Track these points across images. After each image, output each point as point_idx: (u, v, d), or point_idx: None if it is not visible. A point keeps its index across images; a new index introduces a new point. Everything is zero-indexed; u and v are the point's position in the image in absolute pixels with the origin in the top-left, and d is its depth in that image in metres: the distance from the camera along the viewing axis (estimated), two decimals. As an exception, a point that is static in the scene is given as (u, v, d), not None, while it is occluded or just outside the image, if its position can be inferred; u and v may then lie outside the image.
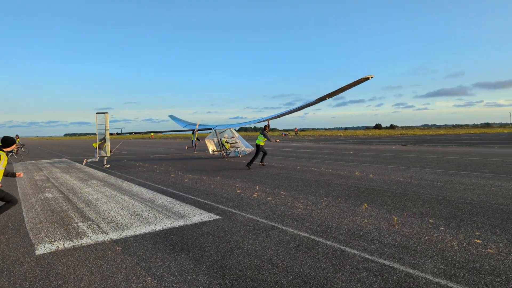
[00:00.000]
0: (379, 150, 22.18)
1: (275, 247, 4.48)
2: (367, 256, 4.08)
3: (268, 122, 15.73)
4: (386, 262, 3.88)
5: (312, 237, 4.84)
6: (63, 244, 4.84)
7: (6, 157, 5.46)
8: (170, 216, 6.24)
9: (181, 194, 8.39)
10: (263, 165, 14.43)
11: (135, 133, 24.66)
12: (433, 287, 3.27)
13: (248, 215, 6.13)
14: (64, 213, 6.71)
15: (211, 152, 20.77)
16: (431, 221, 5.49)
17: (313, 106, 14.02)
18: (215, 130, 20.33)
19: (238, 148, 20.43)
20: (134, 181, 10.90)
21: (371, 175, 10.63)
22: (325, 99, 12.45)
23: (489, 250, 4.16)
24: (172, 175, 11.98)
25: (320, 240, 4.70)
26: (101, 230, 5.52)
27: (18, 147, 24.94)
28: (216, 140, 20.59)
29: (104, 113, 16.69)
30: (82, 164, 17.55)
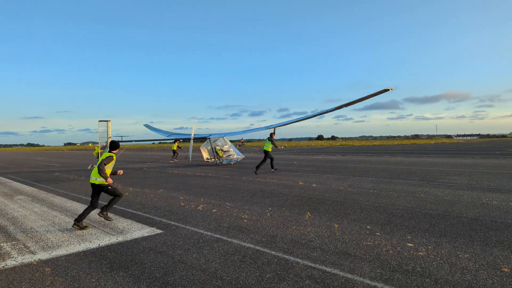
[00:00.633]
0: (321, 160, 23.06)
1: (220, 259, 4.41)
2: (310, 264, 4.17)
3: (274, 129, 16.81)
4: (328, 269, 3.99)
5: (257, 247, 4.85)
6: (-18, 268, 4.33)
7: (115, 158, 6.45)
8: (108, 232, 5.88)
9: (120, 208, 7.98)
10: (274, 170, 15.54)
11: (136, 141, 24.60)
12: (371, 291, 3.43)
13: (192, 228, 5.99)
14: (-15, 234, 6.03)
15: (205, 160, 21.82)
16: (368, 227, 5.78)
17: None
18: (209, 138, 21.47)
19: (231, 156, 21.40)
20: (67, 195, 10.16)
21: (314, 185, 10.98)
22: (343, 107, 14.18)
23: (419, 253, 4.47)
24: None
25: (265, 250, 4.72)
26: (28, 250, 5.03)
27: None
28: (209, 148, 21.60)
29: (107, 121, 17.45)
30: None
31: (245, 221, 6.42)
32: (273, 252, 4.62)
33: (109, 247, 5.07)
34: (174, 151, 26.31)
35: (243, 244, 5.03)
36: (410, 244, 4.82)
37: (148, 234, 5.70)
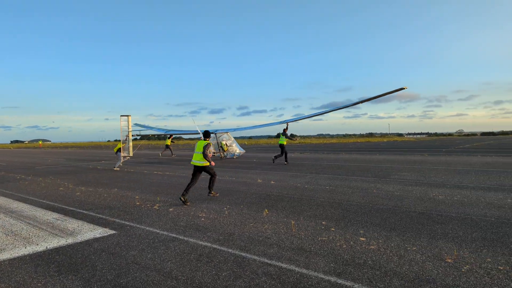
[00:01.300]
0: (280, 157, 23.34)
1: (175, 259, 4.32)
2: (266, 260, 4.20)
3: (287, 124, 18.56)
4: (284, 265, 4.04)
5: (214, 246, 4.80)
6: None
7: (211, 143, 8.35)
8: (57, 234, 5.57)
9: (71, 209, 7.58)
10: (287, 163, 17.51)
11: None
12: (324, 285, 3.51)
13: (147, 228, 5.82)
14: None
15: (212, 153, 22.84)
16: (323, 223, 5.93)
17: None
18: (215, 134, 23.19)
19: (233, 151, 23.48)
20: (13, 196, 9.50)
21: (272, 182, 11.09)
22: (359, 103, 16.37)
23: (371, 247, 4.65)
24: (61, 188, 10.77)
25: (222, 248, 4.69)
26: (-36, 256, 4.63)
27: None
28: (215, 142, 23.23)
29: (127, 116, 18.55)
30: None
31: (203, 219, 6.35)
32: (230, 250, 4.60)
33: (57, 250, 4.80)
34: (167, 146, 27.63)
35: (200, 242, 4.96)
36: (363, 238, 5.01)
37: (100, 235, 5.46)
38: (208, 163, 8.06)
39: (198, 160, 8.13)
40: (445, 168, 14.40)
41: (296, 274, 3.78)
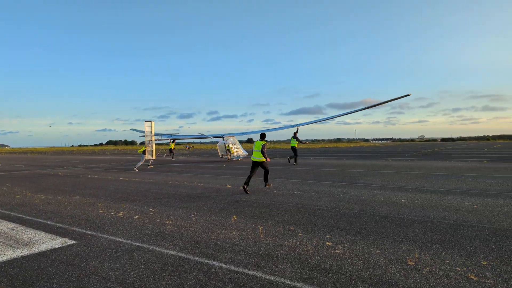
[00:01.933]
0: (249, 163, 23.34)
1: (139, 269, 4.17)
2: (233, 268, 4.15)
3: (298, 128, 20.42)
4: (251, 272, 4.00)
5: (180, 254, 4.69)
6: None
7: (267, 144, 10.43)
8: (11, 245, 5.24)
9: (28, 218, 7.18)
10: (296, 164, 19.67)
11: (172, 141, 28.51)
12: (291, 291, 3.51)
13: (110, 237, 5.60)
14: None
15: (220, 156, 26.91)
16: (291, 228, 5.96)
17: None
18: (223, 137, 25.99)
19: (239, 153, 25.96)
20: (-37, 205, 8.86)
21: (241, 187, 11.04)
22: (368, 108, 19.99)
23: (337, 251, 4.71)
24: (18, 196, 10.20)
25: (188, 256, 4.58)
26: None
27: None
28: (223, 146, 25.94)
29: (151, 121, 20.52)
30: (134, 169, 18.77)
31: (169, 227, 6.19)
32: (196, 258, 4.51)
33: (11, 262, 4.51)
34: (170, 150, 29.47)
35: (165, 251, 4.83)
36: (329, 243, 5.07)
37: (59, 246, 5.19)
38: (264, 159, 10.16)
39: (257, 156, 10.26)
40: (407, 172, 14.95)
41: (263, 281, 3.75)
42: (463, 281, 3.67)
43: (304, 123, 21.64)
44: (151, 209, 7.78)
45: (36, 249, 5.06)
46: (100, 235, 5.75)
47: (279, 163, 22.72)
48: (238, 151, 26.12)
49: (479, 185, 10.63)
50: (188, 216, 7.05)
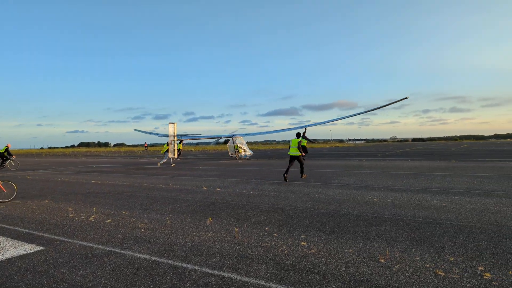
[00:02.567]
0: (227, 164, 23.29)
1: (110, 275, 4.07)
2: (208, 270, 4.11)
3: (305, 129, 21.58)
4: (226, 274, 3.98)
5: (154, 258, 4.61)
6: None
7: (303, 140, 15.46)
8: (-27, 254, 4.98)
9: (-7, 224, 6.85)
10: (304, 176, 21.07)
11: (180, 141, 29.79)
12: (265, 292, 3.51)
13: (80, 242, 5.43)
14: None
15: (230, 155, 29.56)
16: (267, 229, 5.98)
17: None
18: (232, 138, 28.33)
19: (246, 153, 28.33)
20: None
21: (218, 189, 10.99)
22: (368, 112, 22.68)
23: (311, 251, 4.76)
24: (-18, 201, 9.71)
25: (162, 260, 4.51)
26: None
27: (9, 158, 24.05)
28: (232, 146, 28.33)
29: (173, 123, 22.76)
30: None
31: (142, 230, 6.08)
32: (170, 262, 4.44)
33: (-28, 272, 4.28)
34: (178, 150, 29.97)
35: (138, 255, 4.73)
36: (304, 243, 5.11)
37: (26, 252, 4.98)
38: (300, 154, 12.57)
39: (294, 152, 12.63)
40: (380, 172, 15.32)
41: (238, 282, 3.74)
42: (432, 277, 3.79)
43: (311, 124, 24.32)
44: (124, 213, 7.60)
45: (0, 256, 4.84)
46: (70, 240, 5.57)
47: (254, 163, 22.78)
48: (246, 150, 28.52)
49: (447, 183, 11.04)
50: (162, 218, 6.94)
